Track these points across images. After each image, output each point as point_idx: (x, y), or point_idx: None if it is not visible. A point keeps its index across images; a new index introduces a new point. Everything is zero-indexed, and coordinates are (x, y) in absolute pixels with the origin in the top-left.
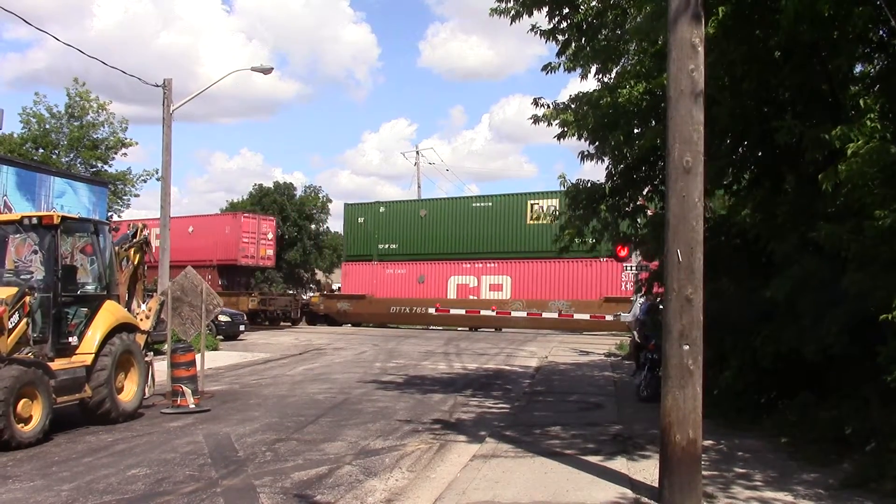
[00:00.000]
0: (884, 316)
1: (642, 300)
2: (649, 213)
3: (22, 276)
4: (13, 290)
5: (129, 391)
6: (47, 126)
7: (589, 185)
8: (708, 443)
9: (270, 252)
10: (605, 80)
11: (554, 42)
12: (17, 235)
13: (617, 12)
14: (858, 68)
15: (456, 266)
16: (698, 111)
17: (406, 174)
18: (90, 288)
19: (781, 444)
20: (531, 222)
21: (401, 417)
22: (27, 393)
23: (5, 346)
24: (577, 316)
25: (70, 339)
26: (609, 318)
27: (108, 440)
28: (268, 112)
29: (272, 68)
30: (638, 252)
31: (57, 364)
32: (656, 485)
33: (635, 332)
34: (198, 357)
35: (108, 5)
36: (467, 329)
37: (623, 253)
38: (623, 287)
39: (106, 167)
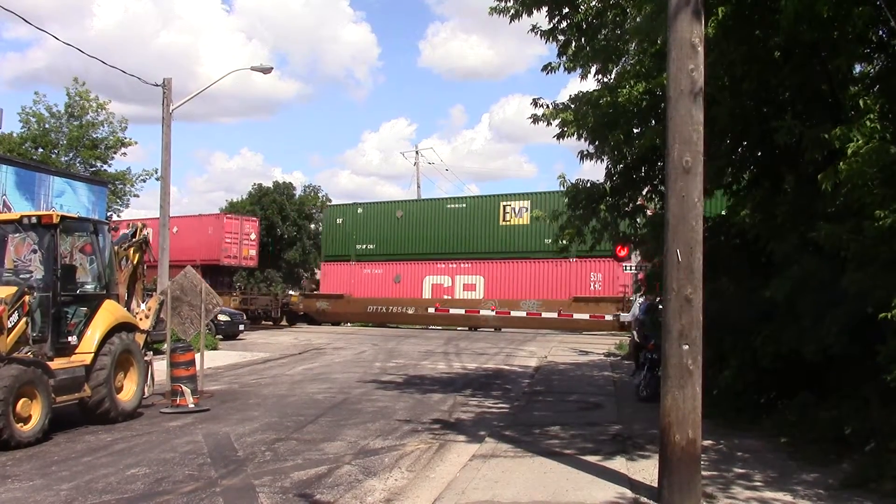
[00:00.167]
0: (883, 315)
1: (642, 300)
2: (649, 212)
3: (21, 276)
4: (12, 289)
5: (128, 391)
6: (47, 125)
7: (588, 184)
8: (707, 443)
9: (253, 252)
10: (605, 80)
11: (554, 42)
12: (17, 235)
13: (616, 12)
14: (858, 68)
15: (431, 266)
16: (698, 111)
17: (406, 174)
18: (89, 287)
19: (781, 444)
20: (504, 223)
21: (400, 417)
22: (26, 392)
23: (4, 346)
24: (576, 316)
25: (69, 338)
26: (608, 317)
27: (108, 440)
28: (268, 112)
29: (272, 68)
30: (637, 252)
31: (56, 363)
32: (656, 485)
33: (635, 332)
34: (197, 356)
35: (108, 5)
36: (467, 329)
37: (623, 253)
38: (591, 287)
39: (105, 167)
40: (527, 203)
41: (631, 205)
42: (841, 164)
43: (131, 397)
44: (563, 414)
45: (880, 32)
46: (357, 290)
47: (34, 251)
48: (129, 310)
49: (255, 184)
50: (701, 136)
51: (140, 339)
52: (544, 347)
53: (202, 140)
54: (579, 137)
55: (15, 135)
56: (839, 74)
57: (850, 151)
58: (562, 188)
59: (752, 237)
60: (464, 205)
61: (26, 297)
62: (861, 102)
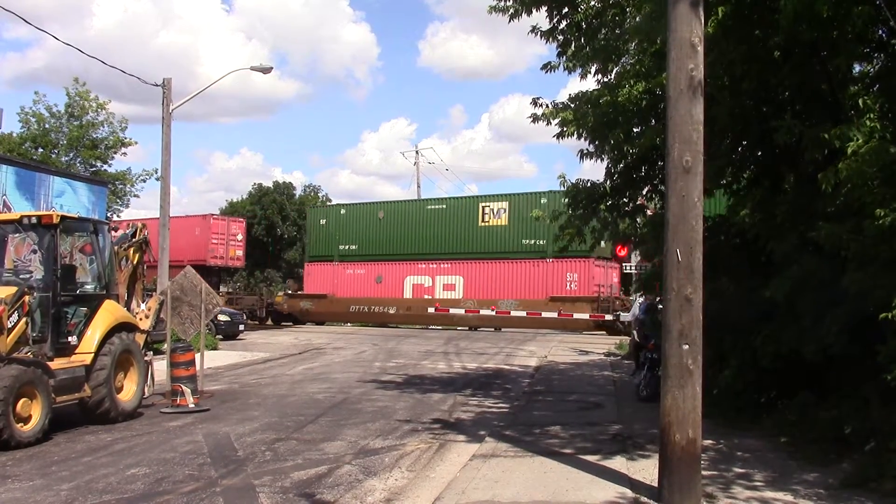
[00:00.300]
0: (883, 315)
1: (642, 300)
2: (649, 212)
3: (21, 276)
4: (12, 289)
5: (128, 391)
6: (47, 125)
7: (588, 184)
8: (707, 442)
9: (240, 253)
10: (605, 79)
11: (554, 42)
12: (17, 235)
13: (616, 11)
14: (858, 68)
15: (412, 266)
16: (698, 111)
17: (406, 174)
18: (89, 287)
19: (781, 444)
20: (483, 224)
21: (400, 417)
22: (26, 392)
23: (4, 346)
24: (576, 316)
25: (69, 338)
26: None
27: (108, 439)
28: (267, 111)
29: (272, 68)
30: (637, 252)
31: (56, 363)
32: (656, 484)
33: (635, 332)
34: (197, 356)
35: (108, 5)
36: (467, 329)
37: (623, 253)
38: (567, 287)
39: (105, 167)
40: (505, 204)
41: (631, 204)
42: (841, 163)
43: (131, 397)
44: (564, 414)
45: (880, 32)
46: (340, 291)
47: (34, 251)
48: (128, 310)
49: (255, 184)
50: (701, 136)
51: (140, 339)
52: (544, 347)
53: (202, 140)
54: (579, 137)
55: (15, 135)
56: (839, 74)
57: (849, 151)
58: (561, 188)
59: (751, 237)
60: (444, 206)
61: (26, 298)
62: (861, 102)
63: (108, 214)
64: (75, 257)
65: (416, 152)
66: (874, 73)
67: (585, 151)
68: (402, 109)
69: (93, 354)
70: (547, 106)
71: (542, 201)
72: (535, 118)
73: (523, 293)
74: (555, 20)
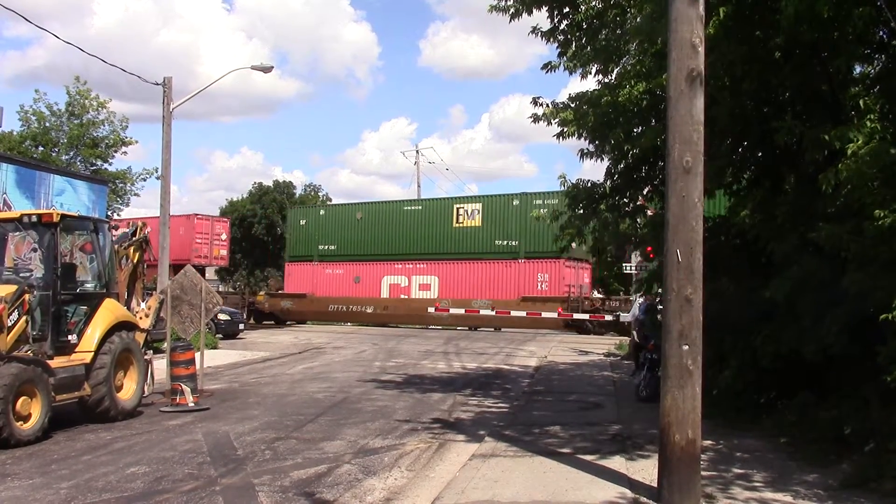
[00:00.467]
0: (884, 316)
1: (641, 300)
2: (649, 212)
3: (21, 274)
4: (12, 287)
5: (128, 389)
6: (47, 124)
7: (589, 184)
8: (707, 443)
9: (224, 252)
10: (606, 80)
11: (554, 42)
12: (17, 233)
13: (617, 12)
14: (858, 69)
15: (389, 267)
16: (698, 111)
17: (406, 173)
18: (89, 286)
19: (781, 445)
20: (457, 225)
21: (400, 416)
22: (26, 391)
23: (4, 344)
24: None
25: (69, 337)
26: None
27: (107, 438)
28: (268, 110)
29: (272, 67)
30: (638, 252)
31: (56, 362)
32: (655, 485)
33: (635, 332)
34: (197, 355)
35: (109, 3)
36: (467, 328)
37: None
38: (539, 287)
39: (106, 165)
40: (478, 206)
41: (631, 205)
42: (841, 164)
43: (131, 396)
44: (563, 414)
45: (881, 33)
46: (319, 290)
47: (34, 250)
48: (129, 308)
49: (255, 183)
50: (701, 136)
51: (140, 337)
52: (544, 347)
53: (202, 139)
54: (579, 137)
55: (15, 133)
56: (839, 75)
57: (850, 152)
58: (562, 187)
59: (752, 237)
60: (419, 207)
61: (26, 296)
62: (861, 103)
63: (109, 213)
64: (75, 256)
65: (417, 152)
66: (875, 74)
67: (586, 151)
68: (403, 109)
69: (93, 353)
70: (547, 106)
71: (514, 203)
72: (535, 118)
73: (496, 293)
74: (555, 20)
